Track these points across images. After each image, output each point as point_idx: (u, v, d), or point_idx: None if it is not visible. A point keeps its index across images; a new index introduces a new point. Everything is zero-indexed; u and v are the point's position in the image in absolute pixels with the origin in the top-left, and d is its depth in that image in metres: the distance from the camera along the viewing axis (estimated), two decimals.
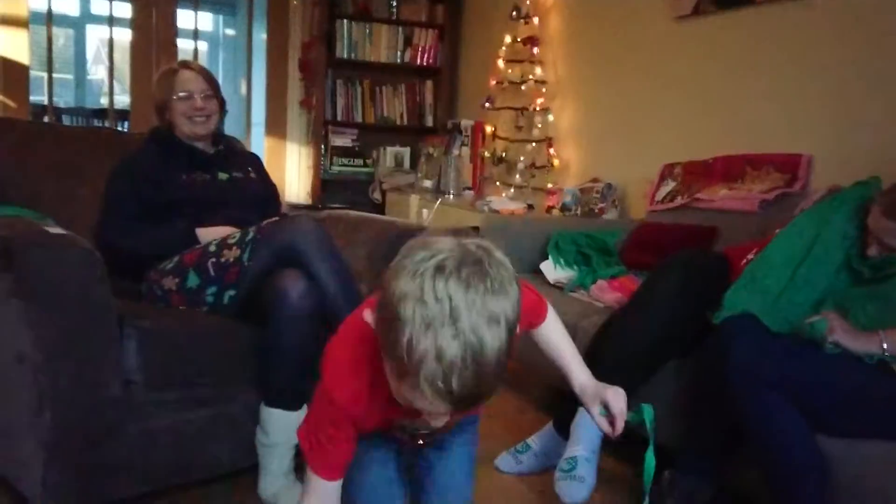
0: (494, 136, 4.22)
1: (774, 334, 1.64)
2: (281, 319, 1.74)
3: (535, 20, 3.94)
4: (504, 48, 4.05)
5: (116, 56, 4.80)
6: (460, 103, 4.90)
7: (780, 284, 1.70)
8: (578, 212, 3.47)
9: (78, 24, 7.96)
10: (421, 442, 1.18)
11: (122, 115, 5.02)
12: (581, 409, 1.87)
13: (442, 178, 4.53)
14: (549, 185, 3.83)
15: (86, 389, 1.57)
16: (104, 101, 6.54)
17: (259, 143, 4.90)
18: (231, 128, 2.35)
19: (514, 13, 3.97)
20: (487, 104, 4.17)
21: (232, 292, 1.84)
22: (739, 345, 1.60)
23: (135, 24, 4.31)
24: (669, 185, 2.95)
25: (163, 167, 2.08)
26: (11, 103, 3.87)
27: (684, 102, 3.09)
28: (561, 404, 2.14)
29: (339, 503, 1.10)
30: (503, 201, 3.82)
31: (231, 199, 2.12)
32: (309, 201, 4.67)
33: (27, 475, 1.59)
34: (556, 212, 3.64)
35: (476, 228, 3.05)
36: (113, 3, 4.38)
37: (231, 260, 1.84)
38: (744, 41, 2.81)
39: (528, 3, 3.94)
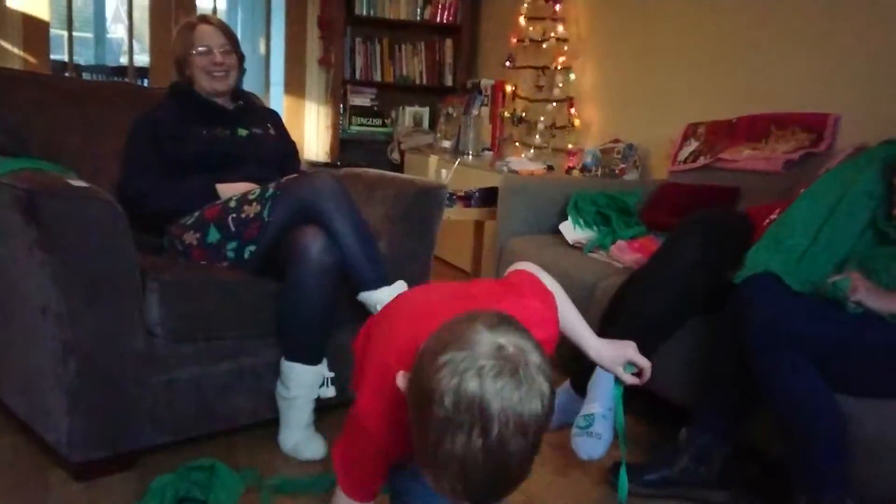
0: (515, 95, 4.17)
1: (796, 293, 1.62)
2: (301, 275, 1.75)
3: None
4: (526, 5, 3.99)
5: (136, 15, 4.77)
6: (480, 62, 4.84)
7: (803, 244, 1.68)
8: (599, 173, 3.44)
9: None
10: None
11: (142, 72, 5.01)
12: (598, 368, 1.88)
13: (461, 139, 4.50)
14: (570, 146, 3.79)
15: (109, 341, 1.59)
16: (124, 60, 6.53)
17: (278, 103, 4.89)
18: (249, 87, 2.34)
19: None
20: (508, 63, 4.12)
21: (252, 248, 1.85)
22: (760, 302, 1.59)
23: None
24: (692, 146, 2.91)
25: (183, 122, 2.08)
26: (32, 59, 3.87)
27: (709, 61, 3.04)
28: (578, 363, 2.15)
29: None
30: (522, 162, 3.80)
31: (250, 155, 2.12)
32: (328, 160, 4.67)
33: (52, 424, 1.63)
34: (576, 172, 3.61)
35: (495, 189, 3.04)
36: None
37: (251, 216, 1.84)
38: None
39: None
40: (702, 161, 2.80)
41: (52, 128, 2.07)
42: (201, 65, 2.13)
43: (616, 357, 1.31)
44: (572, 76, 3.83)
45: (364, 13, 4.61)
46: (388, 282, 1.84)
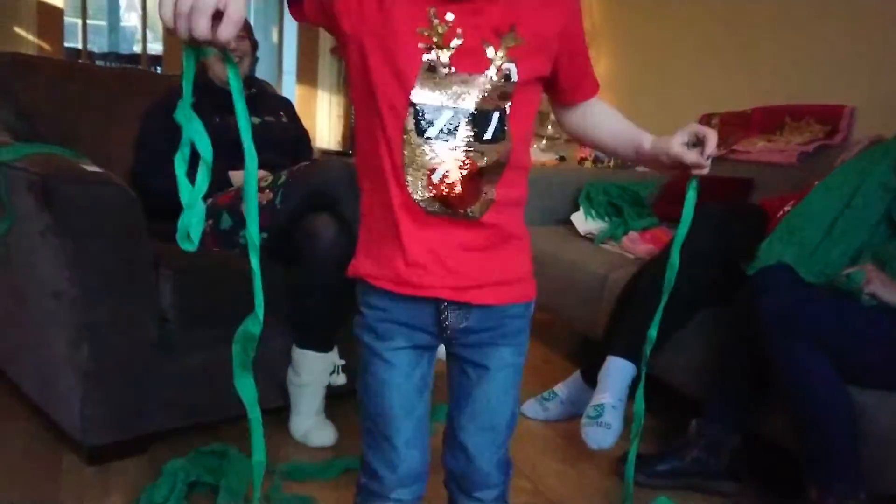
0: None
1: (809, 284, 1.62)
2: (313, 262, 1.76)
3: None
4: None
5: (149, 4, 4.77)
6: None
7: (817, 236, 1.67)
8: (611, 164, 3.42)
9: None
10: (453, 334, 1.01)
11: (156, 60, 5.03)
12: (609, 357, 1.88)
13: None
14: None
15: (122, 326, 1.60)
16: (137, 48, 6.54)
17: (290, 91, 4.89)
18: (262, 75, 2.35)
19: None
20: None
21: (264, 235, 1.85)
22: (773, 293, 1.58)
23: None
24: None
25: (196, 109, 2.08)
26: (47, 46, 3.89)
27: (723, 52, 3.02)
28: (588, 353, 2.15)
29: None
30: (535, 152, 3.79)
31: (263, 143, 2.10)
32: (339, 149, 4.67)
33: (66, 409, 1.64)
34: (588, 163, 3.60)
35: None
36: None
37: (263, 203, 1.85)
38: None
39: None
40: (716, 151, 2.79)
41: (66, 114, 2.08)
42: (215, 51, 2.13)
43: (672, 137, 1.09)
44: None
45: None
46: None
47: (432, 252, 0.93)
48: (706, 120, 2.94)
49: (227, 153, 2.05)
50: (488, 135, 0.91)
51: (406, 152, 0.90)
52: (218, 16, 0.73)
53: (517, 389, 1.06)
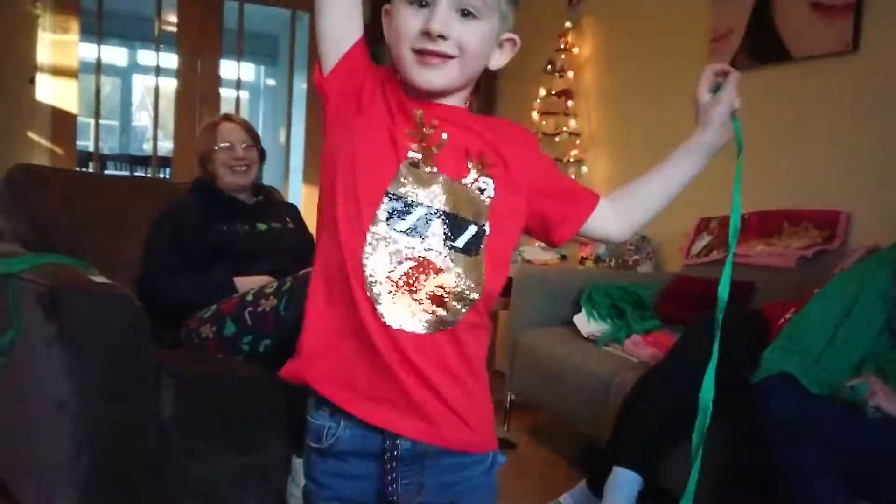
0: None
1: (814, 395, 1.61)
2: None
3: (570, 74, 3.98)
4: (539, 100, 4.09)
5: (160, 104, 4.94)
6: None
7: (819, 346, 1.68)
8: (612, 263, 3.45)
9: (125, 74, 8.24)
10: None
11: (164, 161, 5.15)
12: (616, 468, 1.85)
13: None
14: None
15: (122, 438, 1.59)
16: (147, 147, 6.71)
17: (297, 190, 4.98)
18: (269, 174, 2.42)
19: (549, 67, 4.01)
20: None
21: (267, 341, 1.86)
22: (779, 404, 1.57)
23: (180, 73, 4.44)
24: (705, 239, 2.93)
25: (204, 217, 2.13)
26: (59, 150, 3.99)
27: (719, 157, 3.08)
28: (595, 461, 2.11)
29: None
30: (536, 251, 3.82)
31: (269, 250, 2.16)
32: None
33: None
34: (589, 262, 3.63)
35: (509, 279, 3.05)
36: (160, 53, 4.53)
37: (268, 309, 1.86)
38: (781, 96, 2.81)
39: (562, 57, 3.99)
40: (715, 255, 2.82)
41: (76, 223, 2.13)
42: (223, 159, 2.20)
43: (699, 93, 1.17)
44: (584, 168, 3.90)
45: None
46: None
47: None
48: (704, 223, 2.99)
49: (234, 260, 2.10)
50: (460, 243, 0.90)
51: (371, 242, 0.89)
52: None
53: None
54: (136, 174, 6.29)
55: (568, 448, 2.75)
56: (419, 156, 0.91)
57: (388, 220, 0.89)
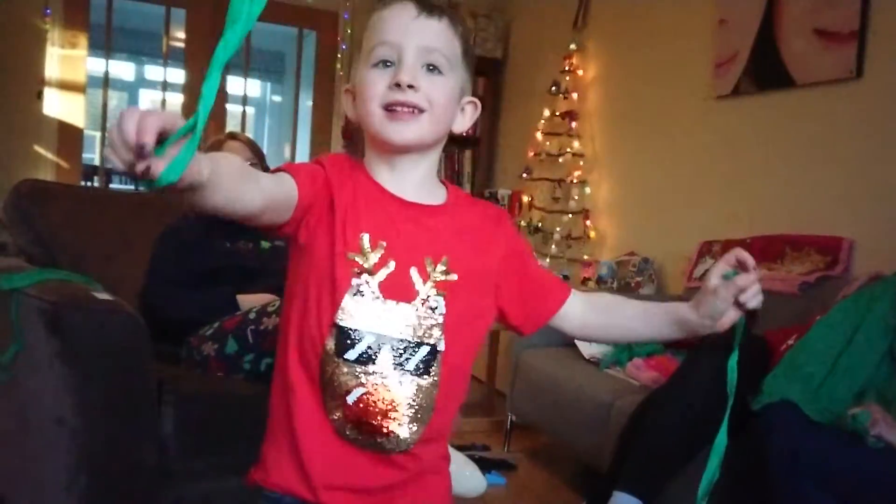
0: (531, 206, 4.25)
1: (815, 424, 1.61)
2: None
3: (574, 95, 4.00)
4: (542, 121, 4.11)
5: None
6: (498, 173, 4.95)
7: (820, 373, 1.67)
8: (615, 285, 3.45)
9: (132, 88, 8.28)
10: None
11: None
12: (615, 493, 1.84)
13: None
14: (585, 257, 3.83)
15: (122, 455, 1.59)
16: None
17: None
18: None
19: (554, 88, 4.04)
20: (524, 174, 4.21)
21: (269, 360, 1.85)
22: (780, 432, 1.57)
23: (186, 88, 4.47)
24: (707, 263, 2.93)
25: (208, 234, 2.14)
26: (65, 164, 4.01)
27: (723, 180, 3.10)
28: (594, 485, 2.10)
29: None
30: None
31: (272, 267, 2.16)
32: None
33: None
34: (591, 284, 3.63)
35: None
36: (167, 69, 4.56)
37: (270, 328, 1.86)
38: (784, 122, 2.82)
39: (567, 78, 4.01)
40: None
41: (80, 238, 2.13)
42: None
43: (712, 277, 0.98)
44: (588, 189, 3.91)
45: None
46: None
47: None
48: (707, 247, 2.99)
49: (237, 277, 2.10)
50: (410, 366, 0.90)
51: (324, 369, 0.91)
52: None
53: None
54: (140, 188, 6.29)
55: (567, 471, 2.74)
56: (364, 283, 0.90)
57: (336, 350, 0.90)
